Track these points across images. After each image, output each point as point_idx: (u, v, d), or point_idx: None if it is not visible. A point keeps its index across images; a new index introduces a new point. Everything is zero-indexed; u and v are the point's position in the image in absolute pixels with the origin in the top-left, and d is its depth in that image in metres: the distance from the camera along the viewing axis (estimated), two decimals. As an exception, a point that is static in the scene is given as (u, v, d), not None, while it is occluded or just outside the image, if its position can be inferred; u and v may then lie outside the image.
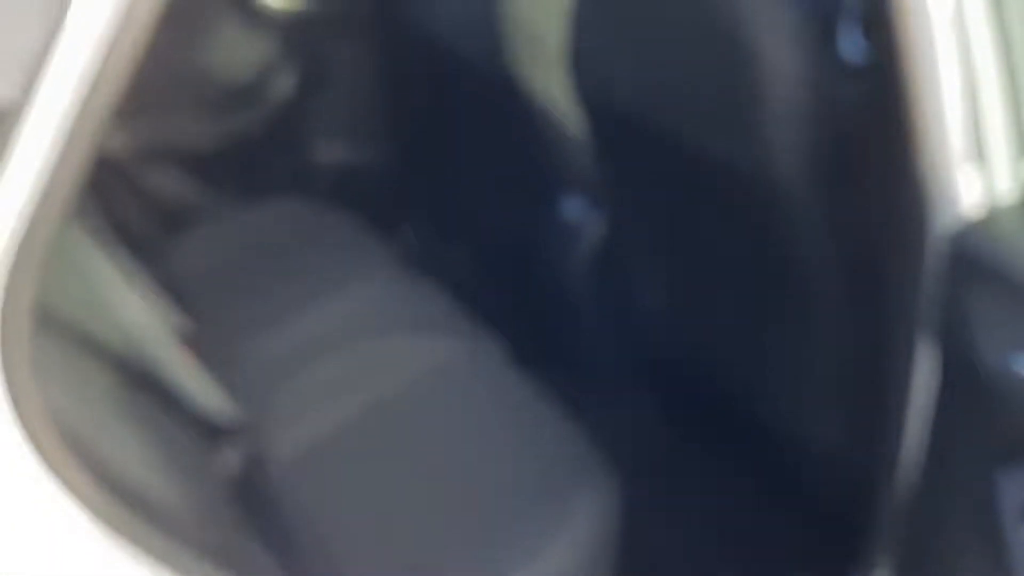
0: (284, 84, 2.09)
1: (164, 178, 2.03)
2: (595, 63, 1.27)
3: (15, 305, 0.66)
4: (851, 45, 1.21)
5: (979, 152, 0.91)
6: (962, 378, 0.91)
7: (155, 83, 1.92)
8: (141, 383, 1.13)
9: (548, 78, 1.60)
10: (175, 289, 1.75)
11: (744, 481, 1.49)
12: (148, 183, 2.00)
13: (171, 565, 0.76)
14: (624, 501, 1.25)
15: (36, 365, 0.71)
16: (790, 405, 1.26)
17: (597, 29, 1.24)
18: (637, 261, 1.47)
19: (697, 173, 1.20)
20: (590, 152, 1.49)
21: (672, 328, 1.44)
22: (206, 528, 1.06)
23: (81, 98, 0.68)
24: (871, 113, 1.02)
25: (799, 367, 1.22)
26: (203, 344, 1.60)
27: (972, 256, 0.90)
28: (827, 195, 1.07)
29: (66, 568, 0.72)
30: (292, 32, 2.07)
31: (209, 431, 1.30)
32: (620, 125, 1.28)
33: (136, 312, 1.21)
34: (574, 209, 1.68)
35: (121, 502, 0.74)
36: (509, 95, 1.68)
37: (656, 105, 1.21)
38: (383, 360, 1.46)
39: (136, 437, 1.03)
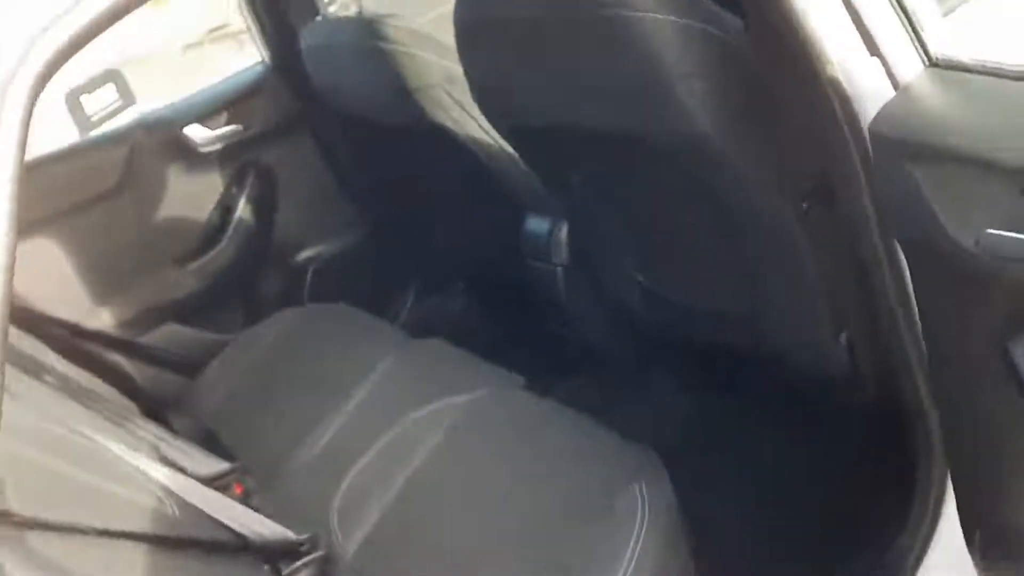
0: (246, 210, 2.16)
1: (168, 333, 2.10)
2: (499, 94, 1.31)
3: None
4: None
5: (877, 47, 0.93)
6: (942, 265, 0.91)
7: (130, 253, 2.03)
8: (181, 543, 1.17)
9: (471, 118, 1.65)
10: (204, 431, 1.81)
11: (772, 424, 1.51)
12: (155, 344, 2.07)
13: None
14: (680, 478, 1.27)
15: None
16: (790, 339, 1.27)
17: (485, 61, 1.28)
18: (612, 250, 1.50)
19: (630, 154, 1.23)
20: (533, 169, 1.52)
21: (663, 300, 1.46)
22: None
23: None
24: (763, 47, 1.04)
25: (784, 300, 1.23)
26: (247, 474, 1.65)
27: (897, 142, 0.89)
28: (750, 131, 1.09)
29: None
30: (231, 161, 2.14)
31: (272, 557, 1.34)
32: (542, 139, 1.31)
33: (164, 477, 1.26)
34: (538, 225, 1.72)
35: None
36: (446, 146, 1.73)
37: (568, 109, 1.24)
38: (415, 432, 1.49)
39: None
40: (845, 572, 1.33)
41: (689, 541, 1.26)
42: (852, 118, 0.91)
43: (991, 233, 0.77)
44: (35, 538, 0.86)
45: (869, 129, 0.84)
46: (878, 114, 0.83)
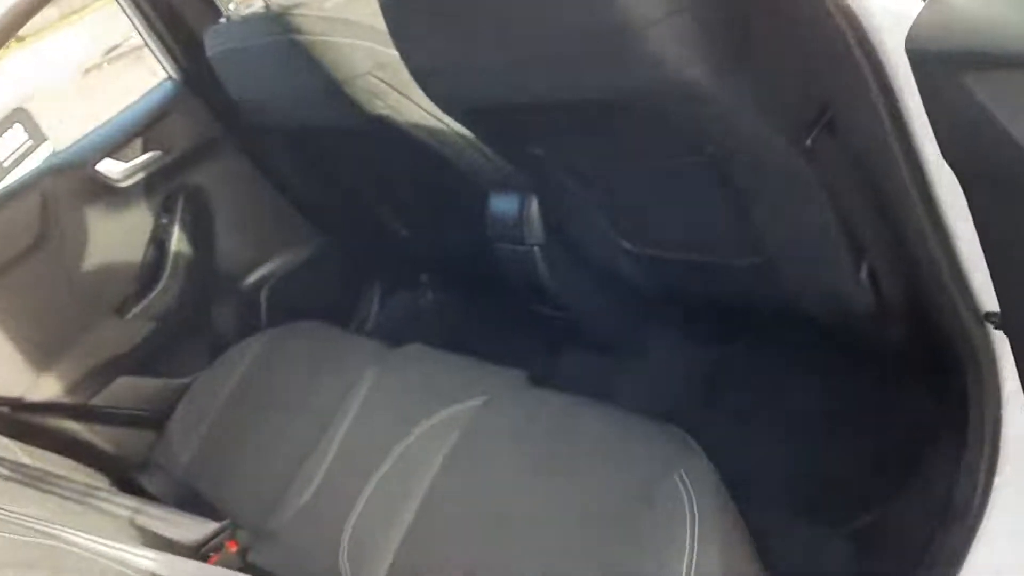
0: (182, 241, 1.99)
1: (123, 387, 1.93)
2: (435, 75, 1.17)
3: None
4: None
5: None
6: (1002, 185, 0.80)
7: (67, 315, 1.84)
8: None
9: (414, 104, 1.50)
10: (182, 489, 1.67)
11: (800, 370, 1.42)
12: (109, 403, 1.90)
13: None
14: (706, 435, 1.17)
15: None
16: (807, 282, 1.17)
17: (422, 45, 1.13)
18: (591, 220, 1.38)
19: (605, 116, 1.10)
20: (492, 147, 1.39)
21: (658, 261, 1.35)
22: None
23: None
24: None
25: (795, 243, 1.13)
26: (239, 528, 1.52)
27: (937, 52, 0.75)
28: (738, 64, 0.97)
29: None
30: (156, 191, 1.96)
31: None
32: (495, 117, 1.18)
33: (153, 560, 1.12)
34: (505, 205, 1.59)
35: None
36: (394, 138, 1.58)
37: (528, 81, 1.10)
38: (418, 451, 1.36)
39: None
40: (895, 522, 1.25)
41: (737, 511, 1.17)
42: (863, 39, 0.80)
43: None
44: None
45: (906, 47, 0.73)
46: (913, 29, 0.72)
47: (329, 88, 1.54)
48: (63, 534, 1.12)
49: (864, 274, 1.15)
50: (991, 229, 0.81)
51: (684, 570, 1.02)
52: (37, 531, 1.11)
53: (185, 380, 1.96)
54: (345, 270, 2.12)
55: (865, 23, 0.82)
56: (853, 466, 1.34)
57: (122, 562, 1.12)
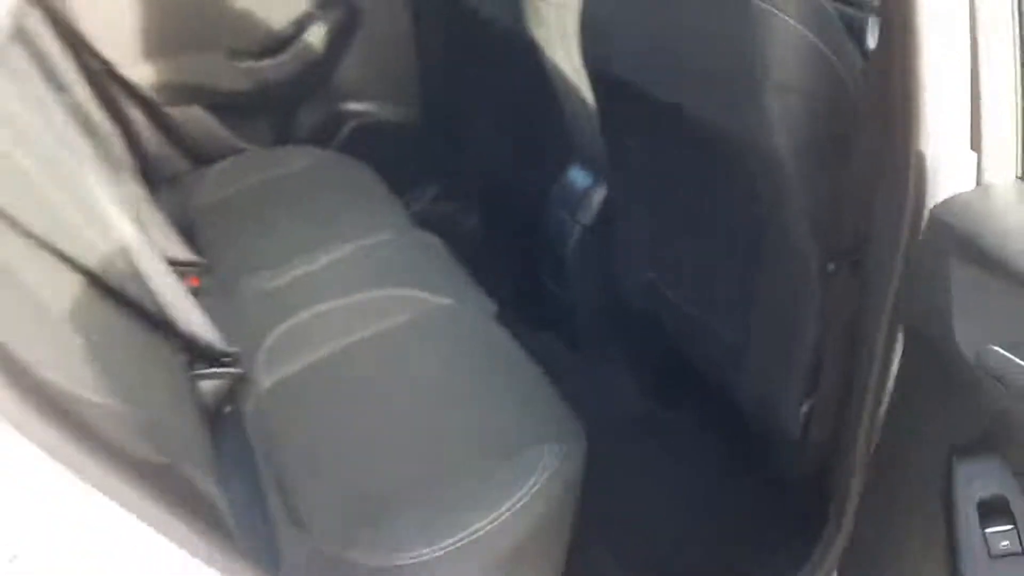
0: (318, 37, 2.12)
1: (193, 115, 2.07)
2: (601, 30, 1.27)
3: None
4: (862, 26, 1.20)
5: (980, 141, 0.89)
6: (933, 363, 0.90)
7: (190, 25, 1.99)
8: (121, 301, 1.16)
9: (565, 46, 1.61)
10: (188, 219, 1.80)
11: (711, 450, 1.51)
12: (177, 118, 2.05)
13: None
14: (596, 461, 1.26)
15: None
16: (762, 376, 1.26)
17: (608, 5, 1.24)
18: (632, 226, 1.48)
19: (694, 141, 1.20)
20: (597, 121, 1.49)
21: (659, 294, 1.45)
22: (175, 443, 1.09)
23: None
24: (873, 94, 1.01)
25: (776, 338, 1.22)
26: (207, 274, 1.65)
27: (954, 231, 0.86)
28: (819, 168, 1.06)
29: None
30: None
31: (195, 355, 1.34)
32: (621, 92, 1.28)
33: (128, 234, 1.25)
34: (581, 177, 1.69)
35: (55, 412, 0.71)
36: (528, 62, 1.69)
37: (658, 73, 1.21)
38: (374, 308, 1.48)
39: (108, 352, 1.06)
40: None
41: (576, 521, 1.26)
42: (920, 195, 0.88)
43: (994, 350, 0.75)
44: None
45: (931, 210, 0.81)
46: (949, 200, 0.81)
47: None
48: (85, 168, 1.26)
49: (804, 409, 1.24)
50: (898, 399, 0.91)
51: (493, 516, 1.11)
52: (67, 148, 1.25)
53: (243, 144, 2.10)
54: (421, 152, 2.23)
55: (930, 176, 0.88)
56: (712, 536, 1.44)
57: (110, 219, 1.26)
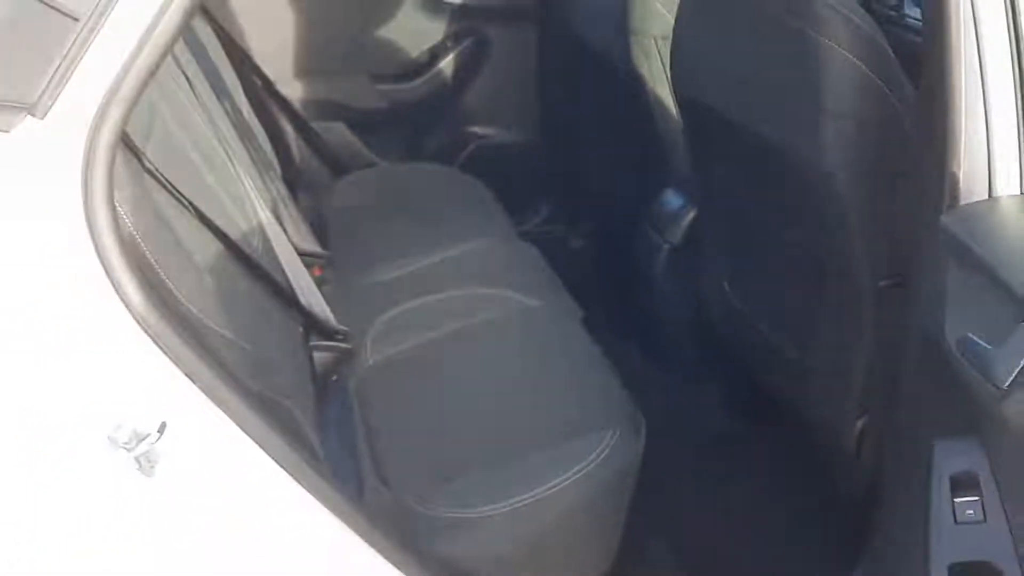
0: (449, 65, 2.34)
1: (335, 130, 2.33)
2: (689, 61, 1.40)
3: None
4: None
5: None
6: (929, 351, 0.97)
7: (338, 50, 2.25)
8: (253, 270, 1.36)
9: (659, 74, 1.74)
10: (323, 220, 2.03)
11: (779, 466, 1.58)
12: (321, 132, 2.30)
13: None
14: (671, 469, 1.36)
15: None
16: (823, 393, 1.33)
17: (692, 26, 1.37)
18: (713, 246, 1.58)
19: (764, 163, 1.30)
20: (690, 143, 1.61)
21: (737, 313, 1.54)
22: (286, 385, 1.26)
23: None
24: (920, 120, 1.09)
25: (834, 355, 1.29)
26: (330, 265, 1.86)
27: (953, 236, 0.93)
28: (873, 190, 1.15)
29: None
30: (462, 18, 2.31)
31: (311, 328, 1.53)
32: (704, 117, 1.40)
33: (265, 219, 1.47)
34: (673, 199, 1.81)
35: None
36: (632, 94, 1.83)
37: (736, 99, 1.32)
38: (470, 303, 1.65)
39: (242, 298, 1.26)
40: None
41: (628, 512, 1.36)
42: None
43: (969, 336, 0.82)
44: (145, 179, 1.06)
45: (941, 220, 0.89)
46: (956, 209, 0.88)
47: (623, 32, 1.81)
48: (234, 159, 1.50)
49: (859, 425, 1.30)
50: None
51: (547, 486, 1.23)
52: (221, 138, 1.49)
53: (376, 159, 2.34)
54: (535, 176, 2.40)
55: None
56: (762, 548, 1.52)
57: (252, 205, 1.48)
